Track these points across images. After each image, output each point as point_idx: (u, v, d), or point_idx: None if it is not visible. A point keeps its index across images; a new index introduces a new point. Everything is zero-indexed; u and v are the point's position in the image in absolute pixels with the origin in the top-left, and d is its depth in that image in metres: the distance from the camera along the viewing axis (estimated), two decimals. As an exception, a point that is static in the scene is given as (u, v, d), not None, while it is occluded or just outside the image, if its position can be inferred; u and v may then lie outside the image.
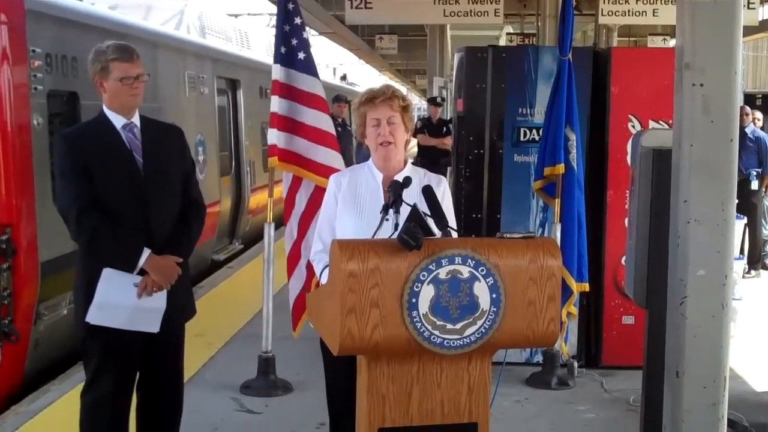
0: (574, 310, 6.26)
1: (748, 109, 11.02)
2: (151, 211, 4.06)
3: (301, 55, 6.05)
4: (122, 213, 4.00)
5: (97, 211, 3.96)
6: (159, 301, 4.08)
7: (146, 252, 4.00)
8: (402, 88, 3.95)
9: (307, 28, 6.19)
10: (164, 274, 4.05)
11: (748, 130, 10.82)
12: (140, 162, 4.08)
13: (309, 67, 6.10)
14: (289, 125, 6.05)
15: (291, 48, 6.05)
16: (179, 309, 4.21)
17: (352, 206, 3.75)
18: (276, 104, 6.04)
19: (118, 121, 4.08)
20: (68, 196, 4.01)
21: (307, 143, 6.01)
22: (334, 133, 6.17)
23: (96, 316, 4.01)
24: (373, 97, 3.73)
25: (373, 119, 3.72)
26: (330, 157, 6.00)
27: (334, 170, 5.76)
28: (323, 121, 6.08)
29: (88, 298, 4.01)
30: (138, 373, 4.23)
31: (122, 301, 4.00)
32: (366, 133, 3.77)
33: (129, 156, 4.06)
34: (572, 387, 6.37)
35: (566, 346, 6.37)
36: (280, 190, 9.53)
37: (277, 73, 6.05)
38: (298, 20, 6.08)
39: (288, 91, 6.04)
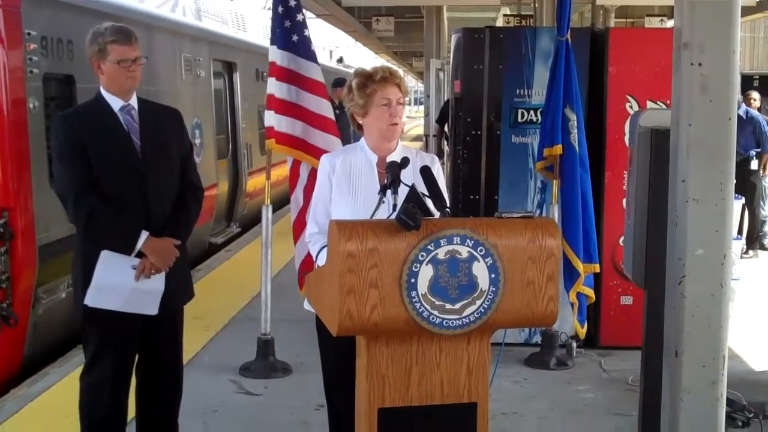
0: (591, 293, 6.22)
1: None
2: (149, 193, 4.05)
3: (295, 38, 6.03)
4: (120, 195, 4.00)
5: (95, 194, 3.96)
6: (157, 283, 4.07)
7: (144, 234, 4.00)
8: (399, 71, 3.92)
9: (304, 11, 6.14)
10: (162, 256, 4.05)
11: (741, 111, 10.79)
12: (138, 144, 4.07)
13: (304, 51, 6.07)
14: (286, 108, 6.03)
15: (285, 30, 6.03)
16: (177, 291, 4.21)
17: (347, 188, 3.74)
18: (272, 86, 6.02)
19: (115, 103, 4.07)
20: (66, 179, 4.00)
21: (304, 126, 6.01)
22: (332, 117, 6.15)
23: (94, 298, 4.01)
24: (385, 78, 3.71)
25: (384, 99, 3.69)
26: (326, 141, 5.99)
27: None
28: (317, 105, 6.06)
29: (86, 280, 4.01)
30: (137, 356, 4.24)
31: (120, 284, 4.00)
32: (371, 112, 3.74)
33: (127, 138, 4.05)
34: (571, 367, 6.39)
35: (582, 327, 6.30)
36: (278, 173, 9.56)
37: (274, 55, 6.03)
38: (292, 2, 6.05)
39: (284, 74, 6.03)
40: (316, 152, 5.90)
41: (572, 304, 6.16)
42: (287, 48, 6.02)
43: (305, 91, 6.04)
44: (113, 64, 4.01)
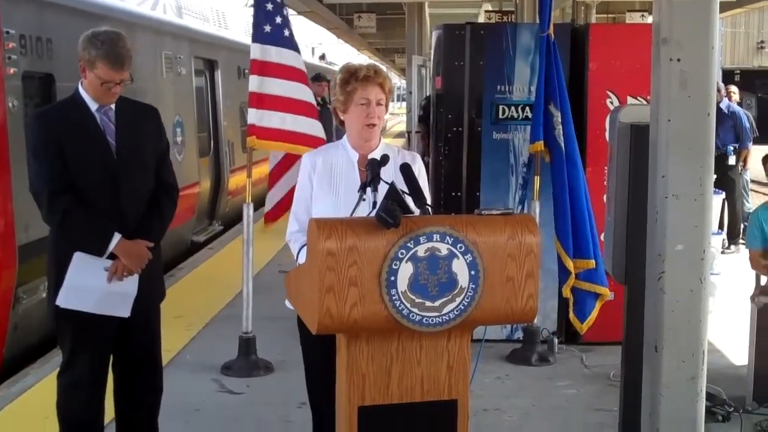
0: (598, 288, 6.08)
1: (720, 84, 11.04)
2: (122, 193, 4.02)
3: (268, 28, 6.04)
4: (94, 195, 3.97)
5: (70, 194, 3.92)
6: (130, 285, 4.05)
7: (117, 237, 3.97)
8: (381, 67, 3.88)
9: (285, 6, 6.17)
10: (135, 258, 4.02)
11: (723, 106, 10.83)
12: (113, 145, 4.03)
13: (284, 41, 6.09)
14: (268, 102, 6.04)
15: (261, 23, 6.05)
16: (149, 292, 4.18)
17: (328, 186, 3.73)
18: (255, 83, 6.02)
19: (92, 103, 4.03)
20: (40, 178, 3.97)
21: (283, 115, 6.04)
22: (314, 104, 6.20)
23: (66, 299, 3.98)
24: (368, 76, 3.69)
25: (363, 98, 3.68)
26: (312, 126, 6.05)
27: (317, 139, 5.85)
28: (300, 92, 6.09)
29: (59, 280, 3.98)
30: (115, 356, 4.21)
31: (92, 285, 3.98)
32: (350, 110, 3.73)
33: (102, 138, 4.01)
34: (553, 363, 6.40)
35: (582, 323, 6.13)
36: (259, 171, 9.50)
37: (256, 52, 6.02)
38: None
39: (264, 68, 6.04)
40: (303, 139, 5.96)
41: (567, 299, 6.12)
42: (264, 41, 6.03)
43: (285, 80, 6.06)
44: (97, 79, 3.96)
